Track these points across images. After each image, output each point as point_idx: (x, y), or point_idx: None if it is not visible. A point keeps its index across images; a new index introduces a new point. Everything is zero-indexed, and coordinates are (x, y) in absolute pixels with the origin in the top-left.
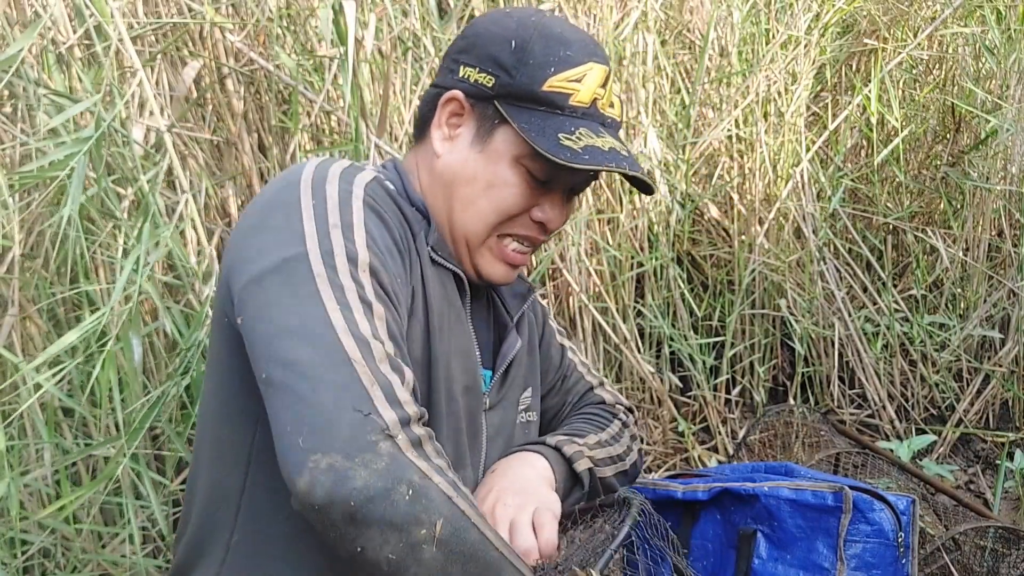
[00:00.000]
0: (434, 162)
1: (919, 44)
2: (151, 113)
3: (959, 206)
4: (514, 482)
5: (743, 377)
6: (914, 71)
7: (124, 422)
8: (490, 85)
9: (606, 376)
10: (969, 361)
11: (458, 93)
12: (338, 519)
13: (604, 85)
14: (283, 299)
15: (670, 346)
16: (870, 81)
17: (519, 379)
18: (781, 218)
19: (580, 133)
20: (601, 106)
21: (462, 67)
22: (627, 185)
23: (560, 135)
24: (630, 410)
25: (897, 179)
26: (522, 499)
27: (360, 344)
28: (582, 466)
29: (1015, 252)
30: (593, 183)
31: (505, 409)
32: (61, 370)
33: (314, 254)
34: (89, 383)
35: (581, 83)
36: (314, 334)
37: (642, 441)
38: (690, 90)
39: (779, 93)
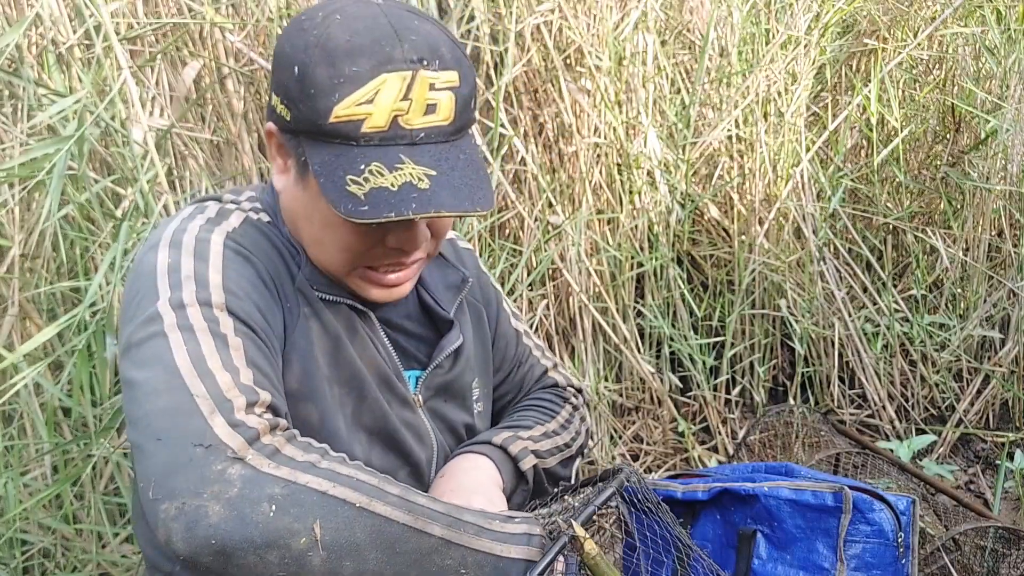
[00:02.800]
0: (281, 196)
1: (919, 44)
2: (150, 113)
3: (959, 206)
4: (461, 484)
5: (743, 377)
6: (914, 71)
7: (99, 419)
8: (288, 119)
9: (605, 377)
10: (969, 361)
11: (272, 126)
12: (209, 561)
13: (408, 95)
14: (138, 362)
15: (670, 346)
16: (870, 81)
17: (467, 371)
18: (781, 218)
19: (371, 171)
20: (406, 121)
21: (273, 95)
22: (627, 185)
23: (348, 178)
24: (579, 391)
25: (897, 179)
26: (467, 500)
27: (205, 378)
28: (527, 464)
29: (1015, 252)
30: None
31: (449, 402)
32: (58, 367)
33: (165, 308)
34: (62, 380)
35: (373, 104)
36: (158, 386)
37: (587, 420)
38: (690, 90)
39: (779, 93)
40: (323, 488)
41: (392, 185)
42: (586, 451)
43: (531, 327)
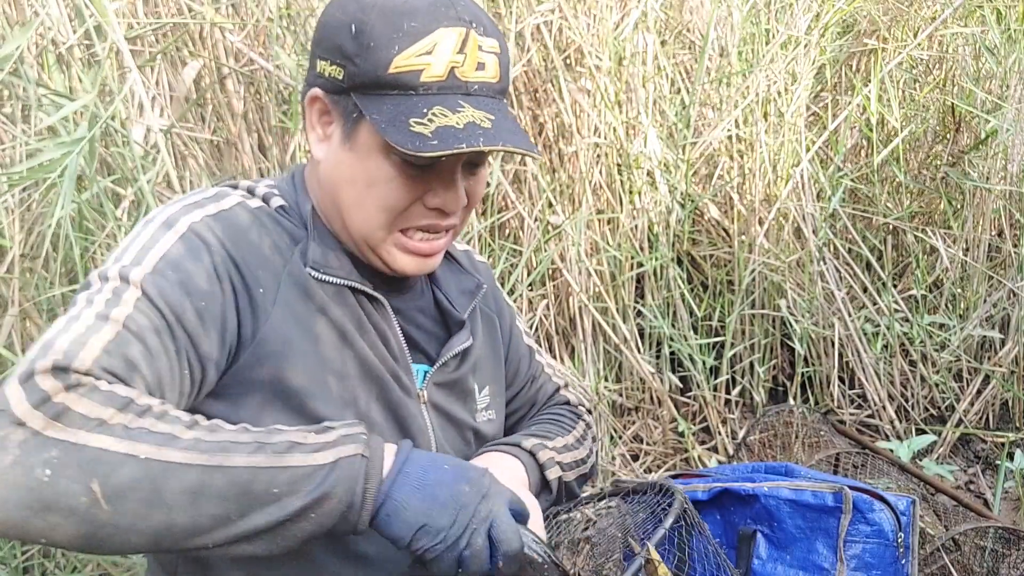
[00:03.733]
0: (317, 168)
1: (919, 44)
2: (148, 114)
3: (959, 206)
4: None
5: (743, 377)
6: (914, 71)
7: None
8: (341, 77)
9: (605, 377)
10: (969, 361)
11: (318, 91)
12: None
13: (463, 49)
14: None
15: (670, 346)
16: (870, 81)
17: (476, 376)
18: (781, 218)
19: (434, 113)
20: (462, 74)
21: (318, 61)
22: (627, 185)
23: (412, 120)
24: (589, 411)
25: (897, 179)
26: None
27: (43, 348)
28: (553, 474)
29: (1015, 252)
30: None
31: (454, 402)
32: None
33: (94, 275)
34: None
35: (432, 55)
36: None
37: (597, 441)
38: (690, 90)
39: (779, 93)
40: (104, 445)
41: (457, 124)
42: (596, 474)
43: (531, 327)
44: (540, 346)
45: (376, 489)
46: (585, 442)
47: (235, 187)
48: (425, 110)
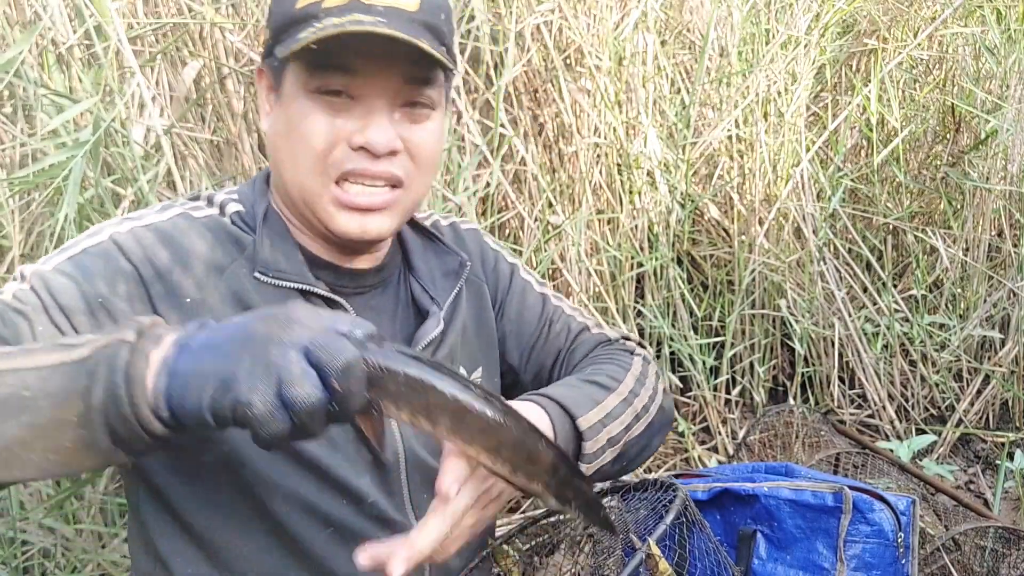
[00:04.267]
0: (268, 142)
1: (919, 44)
2: (152, 114)
3: (959, 206)
4: None
5: (743, 377)
6: (914, 71)
7: None
8: (269, 37)
9: None
10: (969, 361)
11: (260, 65)
12: None
13: None
14: None
15: (670, 346)
16: (870, 81)
17: (457, 362)
18: (781, 218)
19: (329, 23)
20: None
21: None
22: (627, 185)
23: (309, 31)
24: (641, 344)
25: (897, 179)
26: None
27: None
28: (593, 446)
29: (1015, 252)
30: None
31: None
32: None
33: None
34: None
35: None
36: None
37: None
38: (690, 90)
39: (779, 93)
40: None
41: (342, 23)
42: (666, 420)
43: None
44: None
45: (144, 369)
46: (646, 382)
47: (197, 198)
48: (317, 24)
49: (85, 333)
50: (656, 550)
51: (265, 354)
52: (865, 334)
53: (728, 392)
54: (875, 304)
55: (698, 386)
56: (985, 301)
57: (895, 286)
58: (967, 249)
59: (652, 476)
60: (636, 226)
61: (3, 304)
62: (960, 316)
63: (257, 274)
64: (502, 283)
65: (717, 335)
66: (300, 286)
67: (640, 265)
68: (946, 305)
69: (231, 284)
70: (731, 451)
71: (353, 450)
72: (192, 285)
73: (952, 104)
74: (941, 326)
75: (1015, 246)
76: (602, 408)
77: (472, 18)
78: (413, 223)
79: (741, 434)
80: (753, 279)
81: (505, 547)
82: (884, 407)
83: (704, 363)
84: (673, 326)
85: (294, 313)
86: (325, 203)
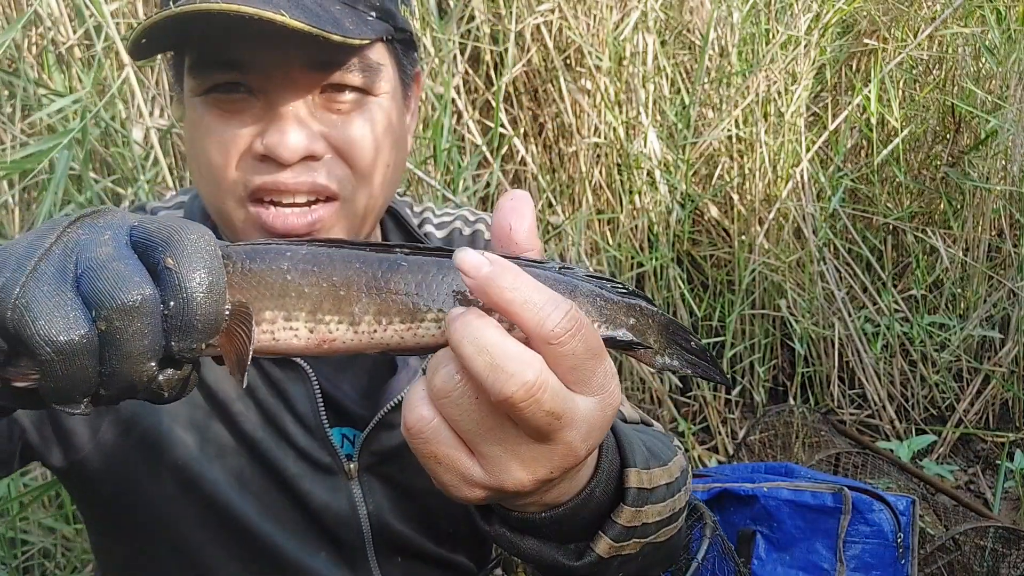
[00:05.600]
0: (187, 157)
1: (919, 44)
2: (157, 111)
3: (959, 206)
4: None
5: (743, 377)
6: (914, 71)
7: None
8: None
9: None
10: (969, 361)
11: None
12: None
13: None
14: None
15: None
16: (870, 81)
17: None
18: (781, 218)
19: (169, 7)
20: None
21: None
22: (627, 185)
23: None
24: (679, 447)
25: (897, 179)
26: None
27: None
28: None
29: (1015, 252)
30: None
31: (413, 466)
32: None
33: None
34: None
35: None
36: None
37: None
38: (690, 90)
39: (779, 93)
40: None
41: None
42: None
43: None
44: None
45: None
46: (685, 488)
47: (142, 209)
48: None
49: None
50: None
51: (16, 264)
52: (865, 334)
53: (728, 392)
54: (875, 304)
55: (698, 386)
56: (985, 301)
57: (895, 286)
58: (967, 249)
59: None
60: (636, 226)
61: None
62: (960, 316)
63: None
64: None
65: (717, 335)
66: None
67: (640, 265)
68: (946, 305)
69: None
70: (731, 451)
71: (303, 523)
72: None
73: (952, 104)
74: (941, 326)
75: (1015, 246)
76: (650, 476)
77: (472, 18)
78: (404, 228)
79: (741, 434)
80: (753, 279)
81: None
82: (884, 407)
83: None
84: None
85: (93, 215)
86: (245, 229)
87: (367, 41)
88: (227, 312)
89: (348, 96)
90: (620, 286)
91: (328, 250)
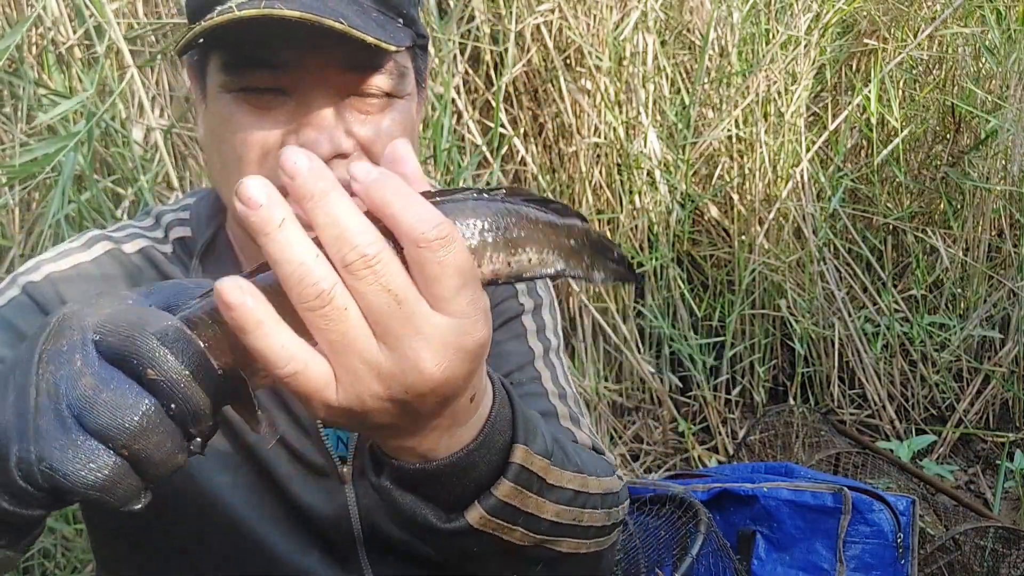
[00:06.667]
0: (202, 148)
1: (919, 44)
2: (157, 111)
3: (959, 206)
4: None
5: (743, 377)
6: (914, 71)
7: None
8: (188, 34)
9: (605, 377)
10: (969, 361)
11: (188, 70)
12: None
13: None
14: None
15: (670, 346)
16: (870, 81)
17: None
18: (781, 218)
19: (234, 4)
20: None
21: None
22: (627, 185)
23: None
24: (620, 478)
25: (897, 179)
26: None
27: None
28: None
29: (1015, 252)
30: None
31: None
32: None
33: None
34: None
35: None
36: None
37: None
38: (690, 90)
39: (779, 93)
40: None
41: (240, 6)
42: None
43: None
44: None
45: None
46: (615, 510)
47: (148, 213)
48: (220, 8)
49: None
50: None
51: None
52: (865, 334)
53: (728, 392)
54: (875, 304)
55: (698, 386)
56: (985, 301)
57: (895, 286)
58: (967, 249)
59: (652, 477)
60: (636, 226)
61: None
62: (960, 316)
63: None
64: (499, 318)
65: (717, 335)
66: None
67: (640, 265)
68: (946, 305)
69: None
70: (731, 451)
71: (295, 524)
72: None
73: (952, 104)
74: (941, 326)
75: (1015, 246)
76: (548, 469)
77: (472, 18)
78: None
79: (741, 434)
80: (753, 279)
81: None
82: (884, 407)
83: (704, 363)
84: (673, 326)
85: (74, 318)
86: None
87: (403, 48)
88: (223, 379)
89: (376, 100)
90: (556, 204)
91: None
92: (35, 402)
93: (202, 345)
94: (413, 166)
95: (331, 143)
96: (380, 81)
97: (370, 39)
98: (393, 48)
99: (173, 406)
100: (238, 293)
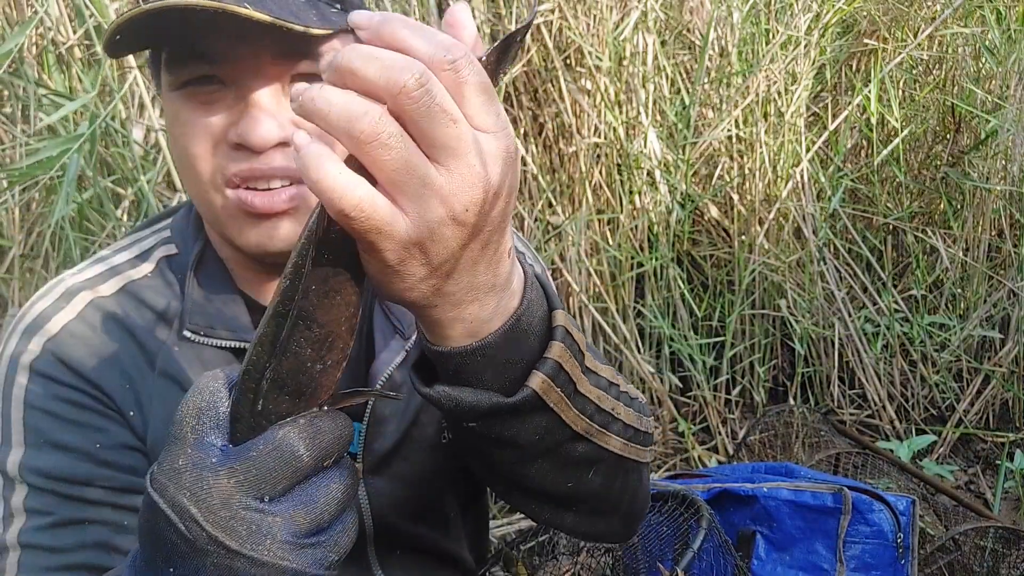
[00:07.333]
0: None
1: (919, 44)
2: (157, 110)
3: (959, 206)
4: None
5: (743, 377)
6: (914, 71)
7: None
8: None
9: None
10: (969, 361)
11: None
12: None
13: None
14: None
15: (670, 346)
16: (870, 81)
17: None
18: (781, 218)
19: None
20: None
21: None
22: (627, 185)
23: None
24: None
25: (897, 179)
26: None
27: None
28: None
29: (1015, 252)
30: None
31: (416, 453)
32: None
33: None
34: None
35: None
36: None
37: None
38: (690, 90)
39: (779, 93)
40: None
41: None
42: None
43: None
44: None
45: None
46: (645, 413)
47: (147, 226)
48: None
49: (99, 487)
50: None
51: None
52: (865, 334)
53: (728, 392)
54: (875, 304)
55: (698, 386)
56: (985, 301)
57: (895, 286)
58: (967, 249)
59: (653, 478)
60: (636, 226)
61: (34, 529)
62: (960, 316)
63: (186, 332)
64: None
65: (717, 335)
66: (236, 344)
67: (640, 265)
68: (946, 305)
69: (165, 372)
70: (731, 451)
71: None
72: (125, 395)
73: (952, 104)
74: (941, 326)
75: (1015, 246)
76: (588, 355)
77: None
78: None
79: (741, 434)
80: (753, 279)
81: (513, 552)
82: (884, 407)
83: (704, 363)
84: (673, 326)
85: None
86: (227, 217)
87: (328, 32)
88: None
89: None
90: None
91: None
92: None
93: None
94: (470, 30)
95: (272, 130)
96: (315, 68)
97: (276, 22)
98: (315, 32)
99: None
100: (305, 139)
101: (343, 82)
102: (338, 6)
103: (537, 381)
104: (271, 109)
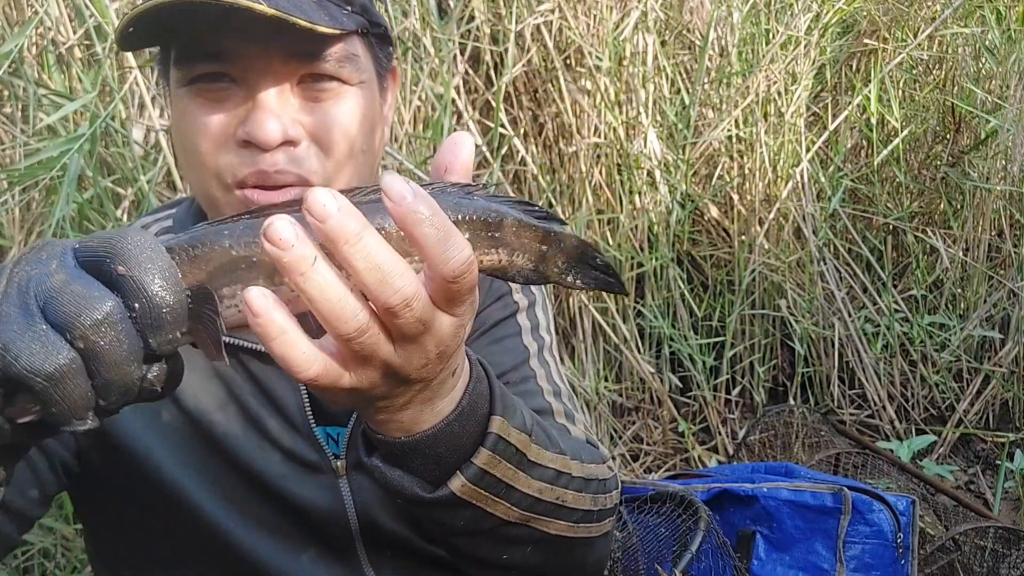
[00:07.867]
0: (177, 154)
1: (919, 44)
2: (157, 110)
3: (959, 206)
4: None
5: (743, 377)
6: (914, 71)
7: None
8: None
9: (605, 377)
10: (969, 361)
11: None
12: None
13: None
14: None
15: (670, 346)
16: (870, 81)
17: None
18: (781, 218)
19: None
20: None
21: None
22: (627, 185)
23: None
24: (610, 468)
25: (897, 179)
26: None
27: None
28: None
29: (1015, 252)
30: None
31: (404, 462)
32: None
33: None
34: None
35: None
36: None
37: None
38: (690, 90)
39: (779, 93)
40: None
41: None
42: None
43: None
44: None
45: None
46: (607, 486)
47: (151, 214)
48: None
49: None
50: None
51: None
52: (865, 334)
53: (728, 392)
54: (875, 304)
55: (698, 386)
56: (985, 301)
57: (895, 286)
58: (967, 249)
59: (652, 477)
60: (636, 226)
61: None
62: (960, 316)
63: None
64: (496, 315)
65: (717, 335)
66: (227, 338)
67: (640, 265)
68: (946, 305)
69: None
70: (731, 451)
71: (287, 525)
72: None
73: (952, 104)
74: (941, 326)
75: (1015, 246)
76: (528, 444)
77: (472, 18)
78: None
79: (741, 434)
80: (753, 279)
81: None
82: (884, 407)
83: (704, 363)
84: (673, 326)
85: (55, 240)
86: (229, 213)
87: (339, 32)
88: (189, 298)
89: (325, 85)
90: (534, 208)
91: (262, 219)
92: (3, 291)
93: (174, 260)
94: (462, 158)
95: (278, 129)
96: (325, 67)
97: (289, 19)
98: (326, 31)
99: (137, 306)
100: (263, 302)
101: (342, 257)
102: (348, 7)
103: (457, 484)
104: (278, 108)
